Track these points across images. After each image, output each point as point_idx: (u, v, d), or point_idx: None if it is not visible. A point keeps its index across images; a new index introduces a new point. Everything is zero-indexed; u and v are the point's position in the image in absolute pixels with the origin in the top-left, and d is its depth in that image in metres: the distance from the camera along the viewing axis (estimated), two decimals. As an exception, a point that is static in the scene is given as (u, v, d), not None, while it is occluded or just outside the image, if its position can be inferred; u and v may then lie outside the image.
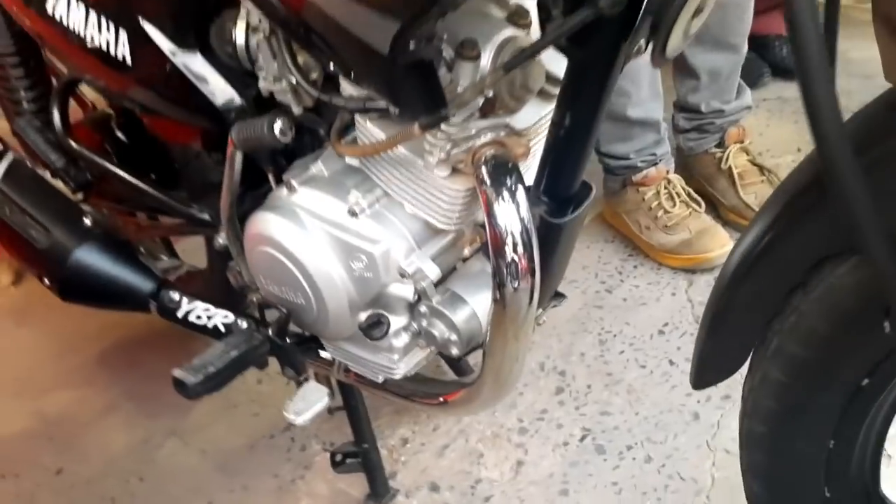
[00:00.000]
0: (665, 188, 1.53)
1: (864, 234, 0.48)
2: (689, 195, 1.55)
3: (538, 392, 1.33)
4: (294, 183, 0.83)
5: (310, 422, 0.91)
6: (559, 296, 0.97)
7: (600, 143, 1.54)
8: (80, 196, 1.12)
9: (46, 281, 1.12)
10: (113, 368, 1.45)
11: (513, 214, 0.71)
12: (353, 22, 0.59)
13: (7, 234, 1.13)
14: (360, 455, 1.13)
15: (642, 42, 0.66)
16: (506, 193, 0.71)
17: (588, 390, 1.33)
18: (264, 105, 0.85)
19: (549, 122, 0.75)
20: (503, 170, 0.72)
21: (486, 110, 0.72)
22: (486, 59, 0.69)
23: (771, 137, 1.81)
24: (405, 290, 0.81)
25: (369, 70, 0.66)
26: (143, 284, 1.07)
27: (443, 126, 0.70)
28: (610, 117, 1.48)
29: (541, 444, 1.25)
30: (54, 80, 1.16)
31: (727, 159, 1.59)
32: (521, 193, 0.71)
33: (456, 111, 0.68)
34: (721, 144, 1.61)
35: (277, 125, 0.75)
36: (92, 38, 0.85)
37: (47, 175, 1.13)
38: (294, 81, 0.76)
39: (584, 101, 0.71)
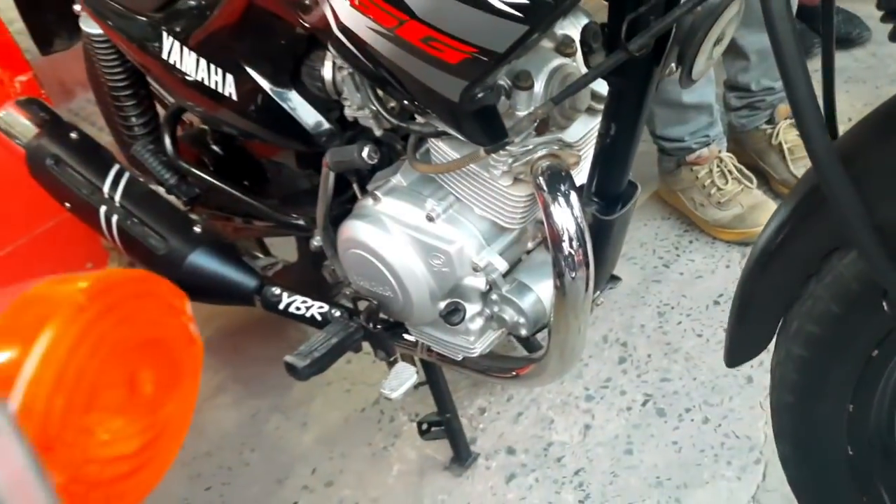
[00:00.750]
0: (717, 166, 1.61)
1: (853, 232, 0.58)
2: (740, 172, 1.62)
3: (602, 362, 1.44)
4: (378, 194, 0.96)
5: (403, 396, 1.06)
6: (615, 279, 1.08)
7: (656, 126, 1.62)
8: (187, 207, 1.29)
9: (166, 281, 1.29)
10: (219, 355, 1.62)
11: (568, 215, 0.83)
12: (426, 75, 0.72)
13: (130, 243, 1.30)
14: (444, 424, 1.27)
15: (672, 66, 0.76)
16: (561, 198, 0.83)
17: (648, 359, 1.44)
18: (348, 126, 0.99)
19: (596, 133, 0.86)
20: (558, 178, 0.84)
21: (541, 129, 0.84)
22: (539, 87, 0.81)
23: (822, 108, 1.86)
24: (478, 282, 0.95)
25: (440, 111, 0.78)
26: (248, 282, 1.23)
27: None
28: (665, 103, 1.56)
29: (606, 409, 1.37)
30: (160, 108, 1.32)
31: (777, 135, 1.66)
32: (573, 197, 0.83)
33: (515, 136, 0.80)
34: (771, 121, 1.68)
35: (366, 151, 0.89)
36: (203, 79, 1.00)
37: (159, 190, 1.30)
38: (375, 109, 0.90)
39: (625, 116, 0.82)
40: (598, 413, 1.37)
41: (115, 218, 1.26)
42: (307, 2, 0.79)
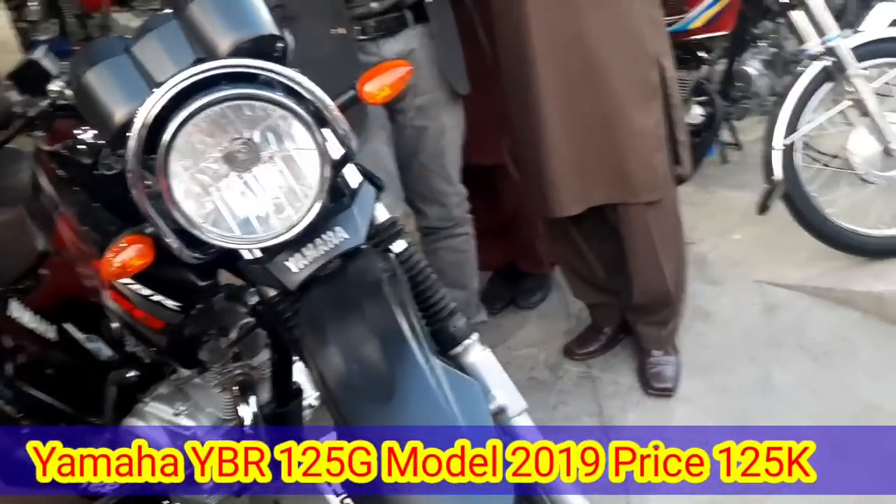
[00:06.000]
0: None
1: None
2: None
3: None
4: (147, 399, 1.54)
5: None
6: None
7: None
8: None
9: None
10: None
11: (251, 408, 1.43)
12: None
13: None
14: None
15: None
16: (250, 397, 1.44)
17: None
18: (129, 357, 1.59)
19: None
20: (249, 385, 1.45)
21: (236, 358, 1.47)
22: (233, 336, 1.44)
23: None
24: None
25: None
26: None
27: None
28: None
29: None
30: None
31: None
32: (253, 398, 1.44)
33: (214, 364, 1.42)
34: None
35: (132, 373, 1.49)
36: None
37: None
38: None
39: (277, 349, 1.46)
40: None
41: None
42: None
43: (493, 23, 2.00)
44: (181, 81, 1.03)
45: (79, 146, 1.23)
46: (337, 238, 1.17)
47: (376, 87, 1.17)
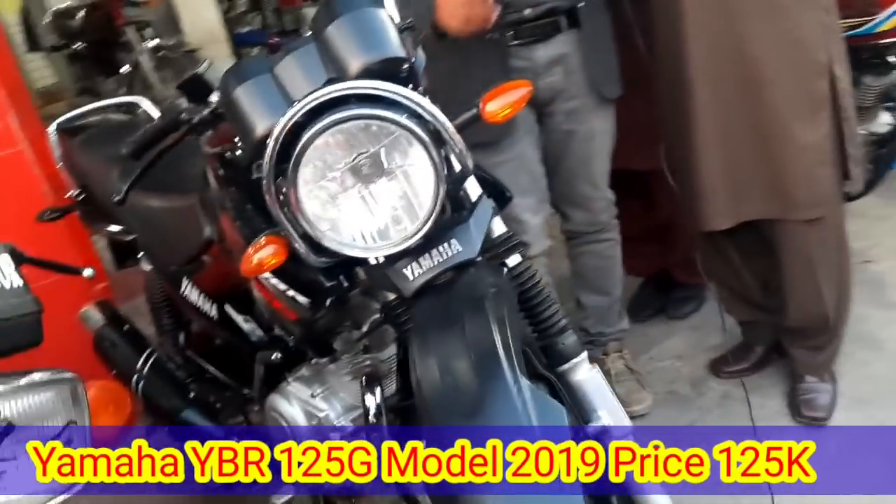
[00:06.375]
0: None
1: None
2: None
3: None
4: (290, 379, 1.67)
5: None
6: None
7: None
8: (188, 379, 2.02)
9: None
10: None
11: (376, 399, 1.53)
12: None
13: (146, 400, 2.02)
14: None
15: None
16: (377, 387, 1.53)
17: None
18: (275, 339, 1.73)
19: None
20: (375, 377, 1.54)
21: (367, 350, 1.56)
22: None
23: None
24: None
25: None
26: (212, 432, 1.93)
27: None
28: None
29: None
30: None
31: (606, 363, 2.32)
32: (378, 389, 1.53)
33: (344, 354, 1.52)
34: (606, 353, 2.34)
35: (275, 356, 1.63)
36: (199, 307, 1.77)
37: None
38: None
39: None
40: None
41: (140, 384, 2.00)
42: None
43: (651, 25, 1.96)
44: (313, 101, 1.12)
45: (237, 151, 1.35)
46: (452, 250, 1.22)
47: (498, 107, 1.20)
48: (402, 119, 1.12)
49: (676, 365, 2.36)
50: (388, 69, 1.16)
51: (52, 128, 2.19)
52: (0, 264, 1.00)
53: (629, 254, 2.60)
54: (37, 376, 0.98)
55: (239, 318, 1.73)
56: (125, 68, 5.04)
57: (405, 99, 1.13)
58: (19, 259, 1.12)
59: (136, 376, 2.02)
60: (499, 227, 1.29)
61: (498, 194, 1.46)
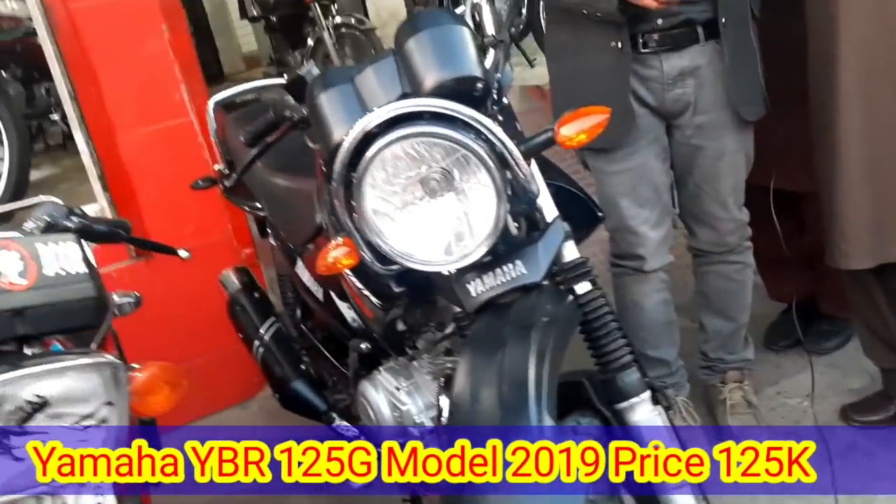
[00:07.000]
0: (672, 405, 2.18)
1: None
2: (688, 412, 2.17)
3: None
4: (381, 369, 1.73)
5: None
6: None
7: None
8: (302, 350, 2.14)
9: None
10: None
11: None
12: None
13: (263, 366, 2.16)
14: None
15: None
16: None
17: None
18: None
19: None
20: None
21: (448, 353, 1.58)
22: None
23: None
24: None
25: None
26: (321, 407, 2.02)
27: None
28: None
29: None
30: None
31: (723, 392, 2.19)
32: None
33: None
34: (723, 381, 2.20)
35: (363, 345, 1.68)
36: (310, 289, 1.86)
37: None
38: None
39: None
40: None
41: (260, 350, 2.15)
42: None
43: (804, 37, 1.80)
44: (384, 114, 1.14)
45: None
46: (515, 271, 1.21)
47: (573, 132, 1.16)
48: (468, 140, 1.12)
49: (804, 404, 2.18)
50: (462, 87, 1.16)
51: (211, 103, 2.37)
52: (67, 251, 1.11)
53: (775, 277, 2.43)
54: (80, 360, 1.08)
55: (342, 305, 1.81)
56: (309, 42, 5.32)
57: (473, 121, 1.12)
58: (120, 237, 1.25)
59: (257, 342, 2.17)
60: (570, 253, 1.26)
61: (589, 213, 1.42)
